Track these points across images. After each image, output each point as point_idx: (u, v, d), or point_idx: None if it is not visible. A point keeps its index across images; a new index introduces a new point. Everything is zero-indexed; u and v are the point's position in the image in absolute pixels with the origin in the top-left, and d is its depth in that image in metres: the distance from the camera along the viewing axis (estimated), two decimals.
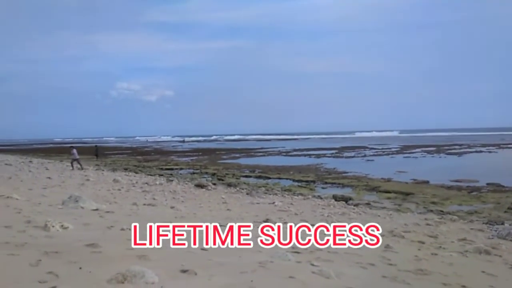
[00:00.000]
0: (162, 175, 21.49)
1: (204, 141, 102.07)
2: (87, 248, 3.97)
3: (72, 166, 20.88)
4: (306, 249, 5.15)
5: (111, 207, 7.60)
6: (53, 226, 4.72)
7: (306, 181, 18.91)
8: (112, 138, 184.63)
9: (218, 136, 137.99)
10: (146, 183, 15.21)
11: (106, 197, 9.65)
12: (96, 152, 35.94)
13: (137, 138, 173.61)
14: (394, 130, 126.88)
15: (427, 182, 17.60)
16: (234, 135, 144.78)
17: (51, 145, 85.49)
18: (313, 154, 37.58)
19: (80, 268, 3.28)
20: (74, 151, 21.08)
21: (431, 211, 11.77)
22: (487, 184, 16.47)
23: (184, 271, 3.46)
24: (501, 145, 43.87)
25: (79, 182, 13.63)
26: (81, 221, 5.49)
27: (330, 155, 36.06)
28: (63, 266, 3.28)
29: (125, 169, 25.11)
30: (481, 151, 36.16)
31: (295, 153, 41.53)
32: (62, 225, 4.83)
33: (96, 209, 6.87)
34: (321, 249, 5.24)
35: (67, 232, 4.71)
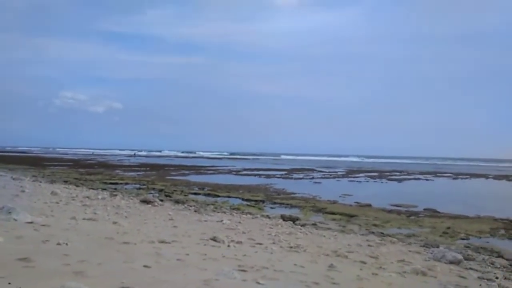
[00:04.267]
0: (105, 189, 20.54)
1: (153, 156, 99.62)
2: (18, 262, 3.68)
3: None
4: (252, 267, 5.13)
5: (47, 220, 7.12)
6: None
7: (255, 201, 18.93)
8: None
9: (167, 152, 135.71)
10: (87, 197, 14.46)
11: (42, 209, 9.03)
12: None
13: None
14: (353, 156, 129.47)
15: (370, 205, 18.28)
16: (182, 152, 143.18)
17: None
18: (263, 174, 37.87)
19: (9, 283, 3.03)
20: None
21: (373, 233, 12.19)
22: (424, 209, 17.41)
23: None
24: (437, 174, 46.86)
25: (13, 193, 12.68)
26: (13, 233, 5.09)
27: (279, 176, 36.52)
28: None
29: (65, 182, 23.73)
30: (419, 179, 38.35)
31: (245, 172, 41.61)
32: None
33: (31, 222, 6.41)
34: (267, 268, 5.24)
35: None
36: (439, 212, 16.61)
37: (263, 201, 18.90)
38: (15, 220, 6.29)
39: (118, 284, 3.39)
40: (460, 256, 8.18)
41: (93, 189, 19.90)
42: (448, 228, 13.12)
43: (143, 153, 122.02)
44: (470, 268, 7.71)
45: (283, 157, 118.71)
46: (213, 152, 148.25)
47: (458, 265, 7.76)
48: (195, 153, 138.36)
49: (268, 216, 14.27)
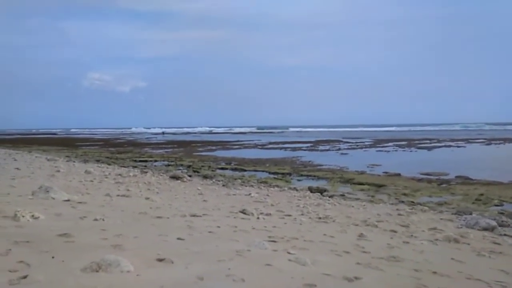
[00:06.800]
0: (136, 166, 21.13)
1: (180, 133, 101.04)
2: (59, 238, 3.86)
3: None
4: (282, 238, 5.20)
5: (83, 198, 7.41)
6: (23, 216, 4.56)
7: (282, 174, 19.04)
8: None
9: (192, 128, 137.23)
10: (120, 174, 14.92)
11: (78, 188, 9.40)
12: None
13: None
14: (381, 125, 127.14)
15: (399, 174, 18.04)
16: (209, 127, 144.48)
17: (18, 136, 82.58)
18: (289, 147, 37.83)
19: (53, 257, 3.19)
20: None
21: (403, 202, 12.08)
22: (456, 177, 17.03)
23: (160, 260, 3.43)
24: (469, 140, 45.46)
25: (49, 173, 13.22)
26: (52, 211, 5.33)
27: (305, 148, 36.39)
28: (34, 256, 3.18)
29: (97, 161, 24.54)
30: (450, 146, 37.33)
31: (271, 146, 41.68)
32: (32, 215, 4.67)
33: (68, 200, 6.68)
34: (297, 238, 5.30)
35: (38, 222, 4.57)
36: (471, 179, 16.23)
37: (290, 174, 18.98)
38: (53, 198, 6.58)
39: (154, 255, 3.51)
40: (494, 223, 8.02)
41: (124, 167, 20.50)
42: (481, 195, 12.83)
43: (171, 130, 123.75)
44: (505, 234, 7.56)
45: (308, 129, 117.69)
46: (241, 127, 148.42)
47: (492, 232, 7.62)
48: (214, 129, 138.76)
49: (295, 189, 14.36)
